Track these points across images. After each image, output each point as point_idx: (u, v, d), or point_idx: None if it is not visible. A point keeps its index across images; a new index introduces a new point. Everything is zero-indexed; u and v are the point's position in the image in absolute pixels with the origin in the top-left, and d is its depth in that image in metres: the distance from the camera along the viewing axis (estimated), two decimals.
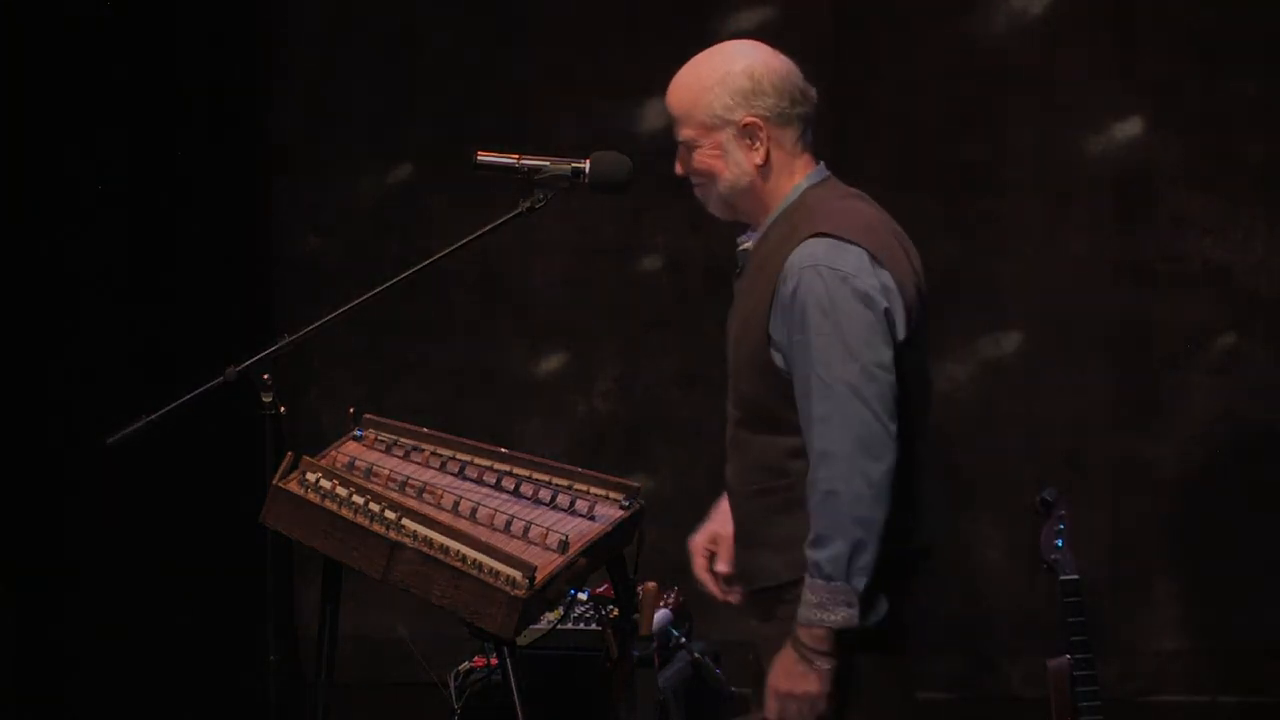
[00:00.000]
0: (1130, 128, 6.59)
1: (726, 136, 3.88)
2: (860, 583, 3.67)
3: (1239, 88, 6.49)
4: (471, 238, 4.28)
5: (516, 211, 4.26)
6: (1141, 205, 6.56)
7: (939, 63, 6.68)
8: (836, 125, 6.71)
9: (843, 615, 3.67)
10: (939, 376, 6.59)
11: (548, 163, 4.25)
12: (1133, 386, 6.58)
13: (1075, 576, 4.96)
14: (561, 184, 4.24)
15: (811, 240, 3.78)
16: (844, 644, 3.70)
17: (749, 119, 3.87)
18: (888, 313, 3.74)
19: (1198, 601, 6.49)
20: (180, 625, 6.88)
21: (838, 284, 3.73)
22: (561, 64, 7.02)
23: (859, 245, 3.76)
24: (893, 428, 3.69)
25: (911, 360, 3.80)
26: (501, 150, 4.30)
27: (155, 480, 6.75)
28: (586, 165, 4.24)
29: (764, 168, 3.88)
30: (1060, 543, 5.04)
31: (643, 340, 6.91)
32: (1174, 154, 6.54)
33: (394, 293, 4.32)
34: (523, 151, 4.28)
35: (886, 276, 3.76)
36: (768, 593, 3.84)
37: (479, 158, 4.30)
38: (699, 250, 6.84)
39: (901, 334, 3.77)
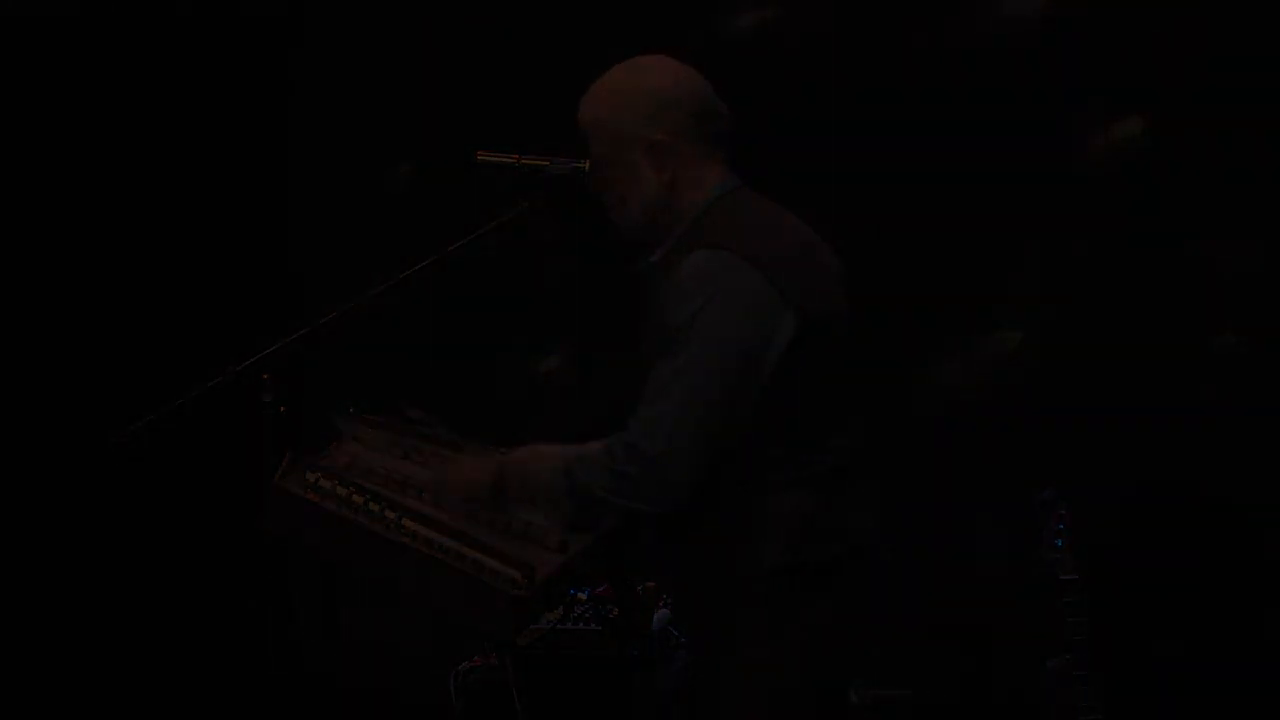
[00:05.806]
0: (1130, 128, 6.59)
1: (636, 155, 3.91)
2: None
3: (1239, 87, 6.48)
4: (471, 237, 4.29)
5: (516, 211, 4.26)
6: (1141, 205, 6.56)
7: (938, 62, 6.68)
8: (836, 125, 6.71)
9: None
10: (939, 376, 6.59)
11: (548, 163, 4.26)
12: (1133, 386, 6.57)
13: (1075, 576, 4.98)
14: (562, 184, 4.25)
15: (704, 251, 3.79)
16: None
17: (657, 137, 3.89)
18: (766, 328, 3.73)
19: (1197, 602, 6.49)
20: (179, 625, 6.89)
21: (721, 295, 3.73)
22: (561, 64, 7.01)
23: (751, 258, 3.76)
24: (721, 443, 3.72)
25: (809, 374, 3.78)
26: (501, 150, 4.31)
27: (156, 480, 6.76)
28: (586, 165, 4.24)
29: (673, 183, 3.91)
30: (1060, 543, 5.05)
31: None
32: (1174, 154, 6.53)
33: (394, 292, 4.32)
34: (523, 151, 4.28)
35: (774, 293, 3.75)
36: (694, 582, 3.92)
37: (479, 157, 4.31)
38: None
39: (781, 349, 3.74)
